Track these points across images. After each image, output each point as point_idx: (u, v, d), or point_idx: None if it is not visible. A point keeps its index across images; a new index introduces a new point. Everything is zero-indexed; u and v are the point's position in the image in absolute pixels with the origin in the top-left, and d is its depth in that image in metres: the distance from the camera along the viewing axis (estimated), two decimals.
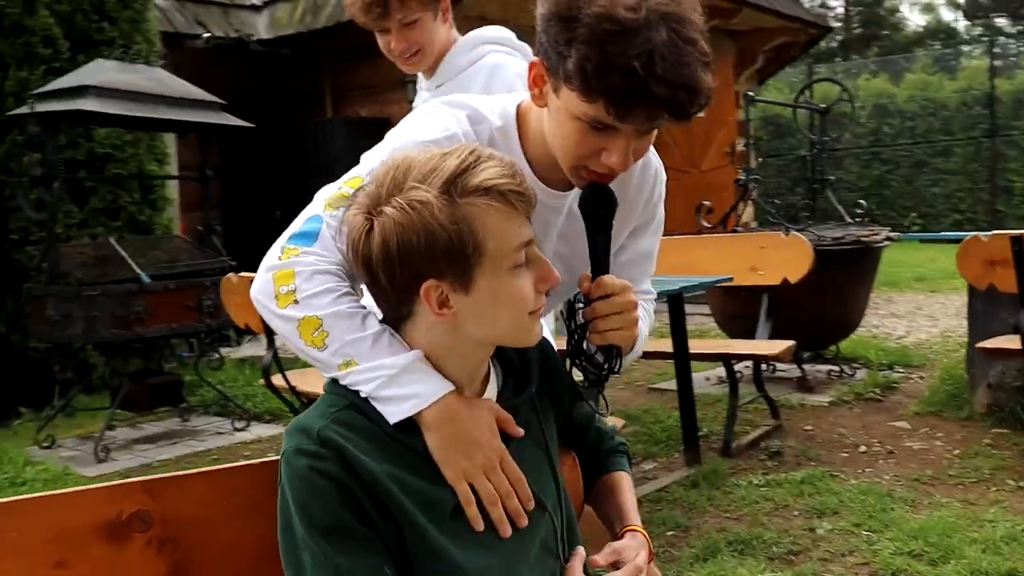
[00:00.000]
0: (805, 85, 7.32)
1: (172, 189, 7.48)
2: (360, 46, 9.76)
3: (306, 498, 1.31)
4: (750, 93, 7.96)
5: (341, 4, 9.08)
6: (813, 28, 13.34)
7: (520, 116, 1.66)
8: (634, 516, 1.64)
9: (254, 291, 1.51)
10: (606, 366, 1.62)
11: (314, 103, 10.34)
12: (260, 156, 9.52)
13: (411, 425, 1.38)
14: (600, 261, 1.58)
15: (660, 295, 4.96)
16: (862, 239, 6.20)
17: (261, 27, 9.66)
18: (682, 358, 4.90)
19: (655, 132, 1.52)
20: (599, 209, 1.58)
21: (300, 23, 9.37)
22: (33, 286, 5.81)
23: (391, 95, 9.81)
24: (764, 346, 5.23)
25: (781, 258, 5.39)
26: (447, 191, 1.31)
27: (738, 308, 6.16)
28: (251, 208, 9.19)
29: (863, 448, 5.04)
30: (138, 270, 5.75)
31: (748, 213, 7.76)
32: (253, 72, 10.24)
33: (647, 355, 5.43)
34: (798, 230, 5.83)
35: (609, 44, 1.34)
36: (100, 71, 5.78)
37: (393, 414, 1.37)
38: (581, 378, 1.68)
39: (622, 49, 1.33)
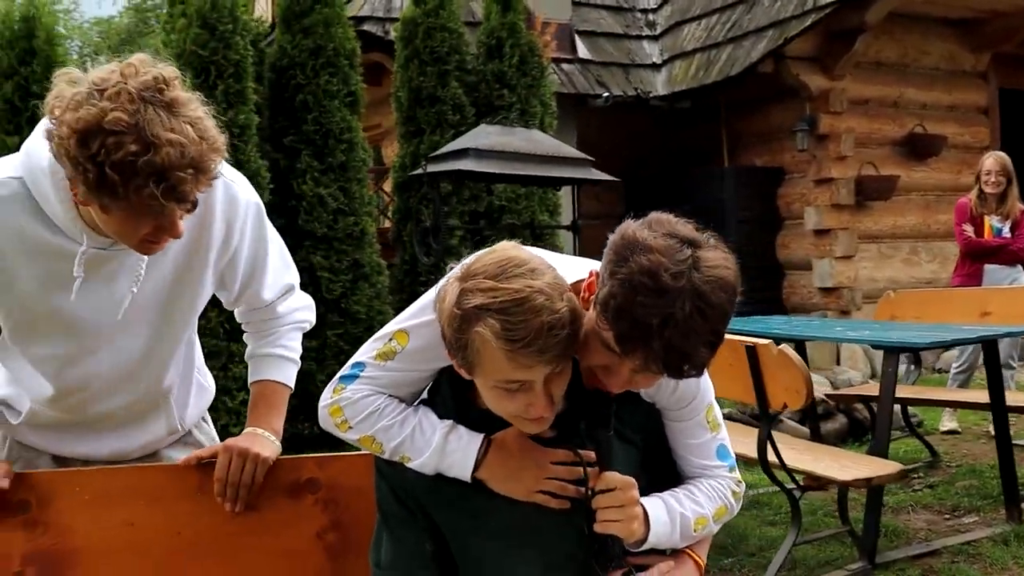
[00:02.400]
0: None
1: (564, 238, 8.23)
2: (754, 96, 10.22)
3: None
4: None
5: (732, 59, 9.49)
6: None
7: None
8: (699, 547, 1.90)
9: (322, 422, 1.87)
10: (602, 549, 1.77)
11: (712, 152, 10.80)
12: (660, 203, 10.09)
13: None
14: (605, 457, 1.75)
15: (972, 341, 4.90)
16: None
17: (659, 84, 10.30)
18: (999, 409, 4.78)
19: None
20: (594, 413, 1.78)
21: (694, 79, 9.89)
22: None
23: (784, 143, 10.05)
24: None
25: None
26: (463, 310, 1.57)
27: None
28: None
29: None
30: None
31: None
32: (655, 125, 10.90)
33: (982, 406, 5.34)
34: None
35: (639, 295, 1.49)
36: (481, 135, 6.63)
37: (461, 476, 1.75)
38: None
39: (646, 303, 1.49)
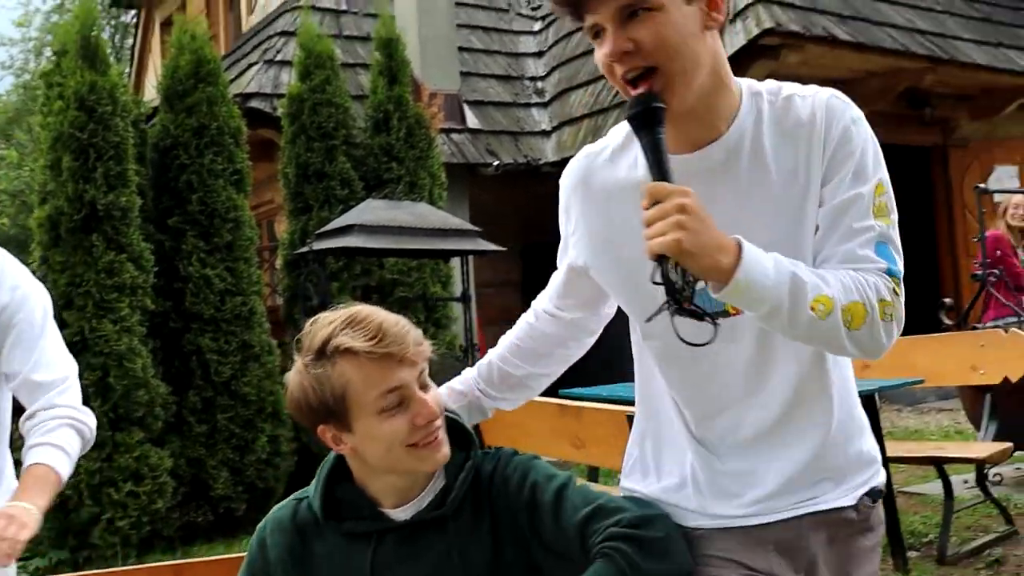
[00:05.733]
0: None
1: (456, 308, 8.23)
2: None
3: None
4: (980, 185, 7.62)
5: (619, 124, 9.65)
6: None
7: None
8: None
9: None
10: (664, 278, 1.50)
11: None
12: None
13: None
14: (652, 167, 1.55)
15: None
16: None
17: (549, 150, 10.41)
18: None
19: (652, 18, 1.56)
20: (637, 110, 1.57)
21: (582, 145, 9.99)
22: None
23: None
24: (977, 448, 5.05)
25: (1001, 357, 5.20)
26: (317, 356, 1.70)
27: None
28: None
29: None
30: None
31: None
32: (548, 191, 10.98)
33: None
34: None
35: None
36: (368, 211, 6.62)
37: None
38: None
39: None
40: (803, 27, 9.02)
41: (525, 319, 2.09)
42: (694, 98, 1.62)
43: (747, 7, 9.02)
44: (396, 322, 1.70)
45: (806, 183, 1.64)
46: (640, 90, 1.58)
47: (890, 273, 1.60)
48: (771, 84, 1.73)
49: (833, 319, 1.54)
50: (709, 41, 1.63)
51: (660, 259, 1.48)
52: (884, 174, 1.67)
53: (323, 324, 1.72)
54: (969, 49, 10.54)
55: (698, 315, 1.52)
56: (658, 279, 1.50)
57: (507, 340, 2.09)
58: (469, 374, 2.10)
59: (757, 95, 1.70)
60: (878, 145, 1.69)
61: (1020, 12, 12.20)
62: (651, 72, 1.58)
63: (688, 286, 1.51)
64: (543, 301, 2.07)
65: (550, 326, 2.05)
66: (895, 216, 1.66)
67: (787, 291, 1.52)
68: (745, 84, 1.72)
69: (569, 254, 1.92)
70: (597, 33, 1.61)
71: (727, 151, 1.67)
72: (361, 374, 1.66)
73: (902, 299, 1.62)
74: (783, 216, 1.65)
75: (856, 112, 1.69)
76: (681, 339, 1.53)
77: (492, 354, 2.09)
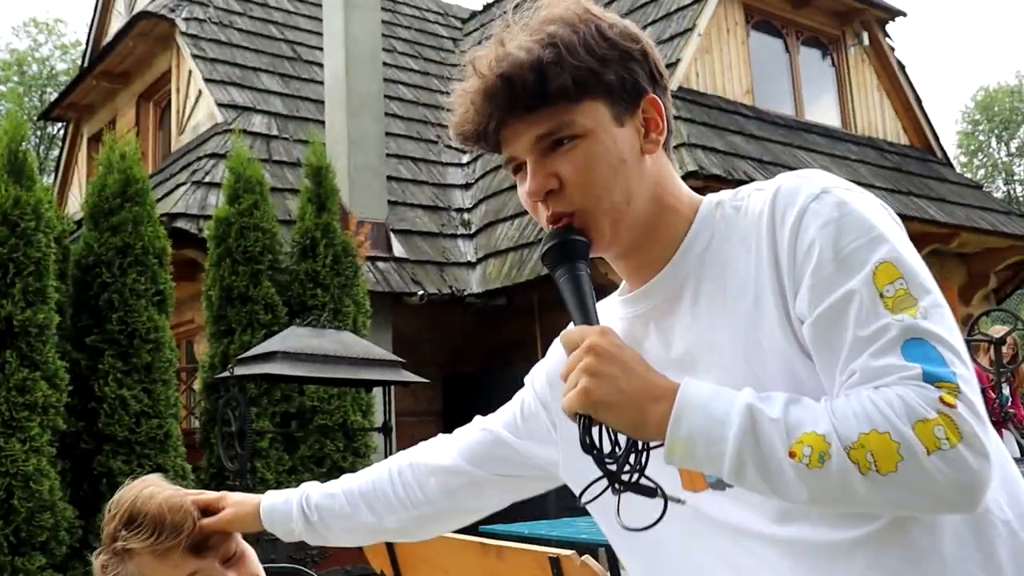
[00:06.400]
0: (975, 319, 7.17)
1: (376, 437, 8.16)
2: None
3: None
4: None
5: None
6: None
7: None
8: None
9: None
10: (583, 442, 1.19)
11: (529, 346, 11.01)
12: (479, 398, 10.20)
13: None
14: (573, 310, 1.33)
15: None
16: None
17: (474, 281, 10.53)
18: None
19: (577, 147, 1.34)
20: (551, 244, 1.36)
21: (507, 276, 10.16)
22: None
23: None
24: None
25: None
26: (111, 555, 1.72)
27: None
28: None
29: None
30: None
31: None
32: (472, 322, 11.09)
33: None
34: None
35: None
36: (291, 337, 6.59)
37: None
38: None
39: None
40: (725, 171, 9.36)
41: (396, 463, 1.78)
42: (630, 235, 1.38)
43: (672, 149, 9.33)
44: (179, 507, 1.70)
45: (756, 296, 1.27)
46: (558, 224, 1.36)
47: (932, 378, 1.11)
48: (740, 189, 1.42)
49: (835, 466, 1.09)
50: (648, 165, 1.40)
51: (579, 419, 1.19)
52: (891, 249, 1.20)
53: (109, 518, 1.73)
54: (881, 197, 10.96)
55: (645, 490, 1.18)
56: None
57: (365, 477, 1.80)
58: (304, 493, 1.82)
59: (718, 205, 1.41)
60: (878, 212, 1.27)
61: (928, 163, 12.80)
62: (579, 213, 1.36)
63: (630, 451, 1.18)
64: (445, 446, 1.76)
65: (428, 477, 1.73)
66: (932, 298, 1.18)
67: (743, 434, 1.13)
68: (708, 198, 1.43)
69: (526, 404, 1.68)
70: (518, 167, 1.40)
71: (674, 281, 1.39)
72: (153, 571, 1.69)
73: (973, 408, 1.10)
74: (737, 346, 1.28)
75: (818, 185, 1.27)
76: (620, 523, 1.19)
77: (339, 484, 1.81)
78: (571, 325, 1.33)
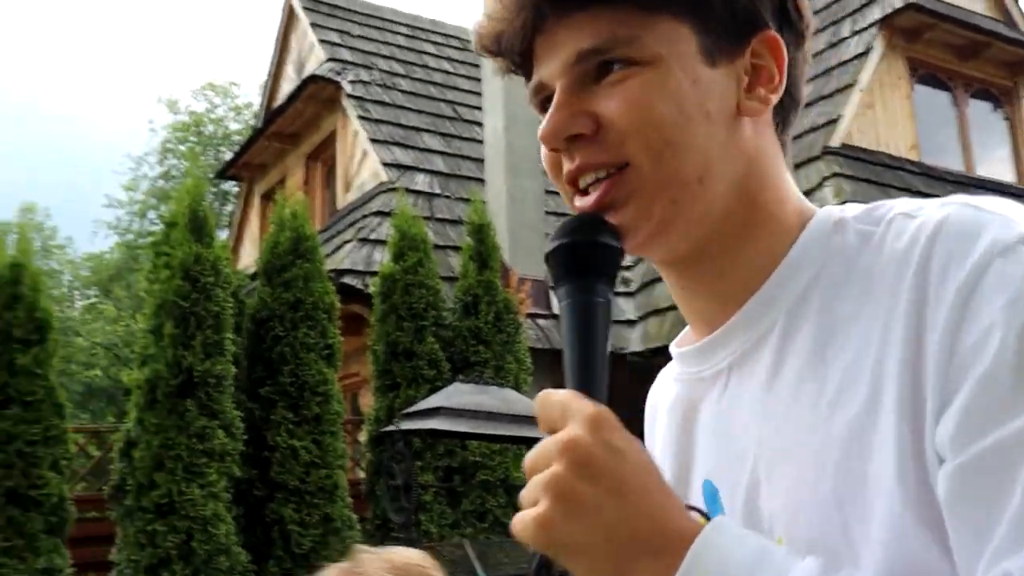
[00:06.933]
0: None
1: None
2: None
3: None
4: None
5: None
6: None
7: None
8: None
9: None
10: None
11: None
12: None
13: None
14: (571, 351, 0.84)
15: None
16: None
17: (634, 340, 10.49)
18: None
19: (634, 78, 0.85)
20: (562, 242, 0.87)
21: (669, 335, 10.09)
22: None
23: None
24: None
25: None
26: None
27: None
28: None
29: None
30: (480, 571, 6.39)
31: None
32: (632, 380, 11.01)
33: None
34: None
35: None
36: (455, 394, 6.69)
37: None
38: None
39: None
40: None
41: None
42: (695, 231, 0.89)
43: (792, 140, 9.18)
44: None
45: (873, 392, 0.78)
46: (586, 201, 0.89)
47: None
48: (875, 206, 0.88)
49: None
50: (745, 133, 0.89)
51: (535, 556, 0.82)
52: None
53: None
54: None
55: None
56: None
57: None
58: None
59: (840, 226, 0.88)
60: None
61: None
62: (620, 172, 0.87)
63: None
64: None
65: None
66: None
67: None
68: (824, 212, 0.91)
69: None
70: (546, 101, 0.90)
71: (760, 325, 0.89)
72: None
73: None
74: (825, 470, 0.80)
75: (1014, 230, 0.75)
76: None
77: None
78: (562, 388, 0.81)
